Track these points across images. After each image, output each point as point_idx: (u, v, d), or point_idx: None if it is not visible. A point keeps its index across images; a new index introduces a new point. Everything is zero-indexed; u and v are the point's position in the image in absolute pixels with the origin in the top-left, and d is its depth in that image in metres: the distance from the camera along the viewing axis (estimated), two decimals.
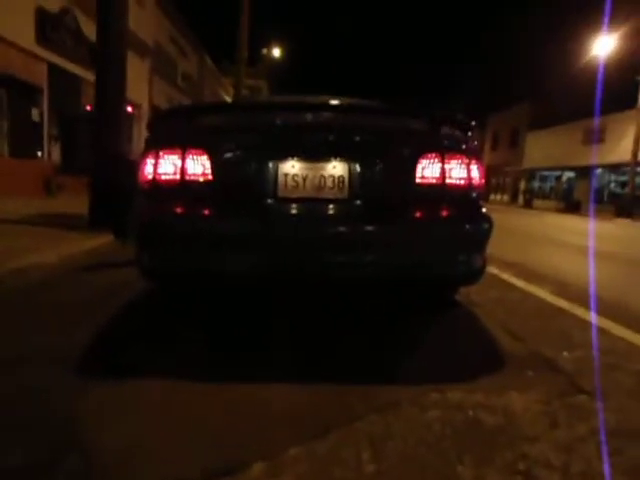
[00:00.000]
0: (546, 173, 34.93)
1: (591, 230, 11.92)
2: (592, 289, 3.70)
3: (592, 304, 3.15)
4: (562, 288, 3.66)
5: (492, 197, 40.71)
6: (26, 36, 8.79)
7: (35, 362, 1.85)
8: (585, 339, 2.39)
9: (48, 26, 9.34)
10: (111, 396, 1.62)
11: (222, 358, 2.01)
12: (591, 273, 4.61)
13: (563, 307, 3.05)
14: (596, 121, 26.38)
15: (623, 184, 25.65)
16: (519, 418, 1.55)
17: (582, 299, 3.27)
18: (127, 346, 2.11)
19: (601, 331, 2.55)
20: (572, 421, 1.54)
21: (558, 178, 33.60)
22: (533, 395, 1.71)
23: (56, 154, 10.67)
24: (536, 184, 36.30)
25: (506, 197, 40.10)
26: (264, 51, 30.12)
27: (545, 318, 2.76)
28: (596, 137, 27.15)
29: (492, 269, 4.06)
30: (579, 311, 2.95)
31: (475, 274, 2.32)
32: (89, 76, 10.02)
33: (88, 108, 11.24)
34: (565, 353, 2.16)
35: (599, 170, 27.95)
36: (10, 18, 8.20)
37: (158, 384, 1.73)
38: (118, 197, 4.91)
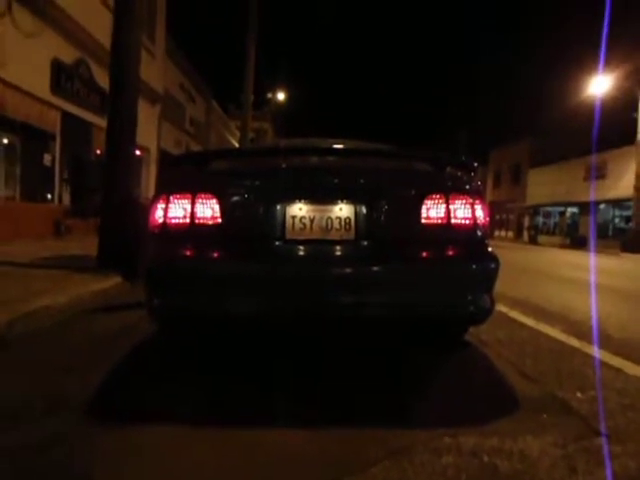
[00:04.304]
0: (550, 209, 35.10)
1: (598, 266, 11.85)
2: (601, 326, 3.66)
3: (600, 342, 3.10)
4: (572, 326, 3.62)
5: (496, 233, 40.76)
6: (42, 86, 9.14)
7: (44, 408, 1.83)
8: (599, 379, 2.35)
9: (63, 76, 9.73)
10: (120, 442, 1.60)
11: (231, 402, 1.99)
12: (600, 310, 4.56)
13: (574, 346, 3.01)
14: (594, 157, 26.73)
15: (627, 219, 25.68)
16: (536, 463, 1.51)
17: (593, 337, 3.23)
18: (136, 390, 2.09)
19: (614, 370, 2.51)
20: (590, 466, 1.50)
21: (562, 214, 33.72)
22: (549, 438, 1.67)
23: (66, 197, 10.88)
24: (540, 220, 36.40)
25: (510, 233, 40.13)
26: (269, 95, 31.12)
27: (556, 357, 2.72)
28: (594, 173, 27.42)
29: (500, 307, 4.03)
30: (591, 350, 2.91)
31: (483, 314, 2.31)
32: (100, 122, 10.35)
33: (98, 152, 11.54)
34: (579, 394, 2.12)
35: (603, 205, 28.07)
36: (28, 70, 8.56)
37: (167, 429, 1.71)
38: (127, 239, 4.98)
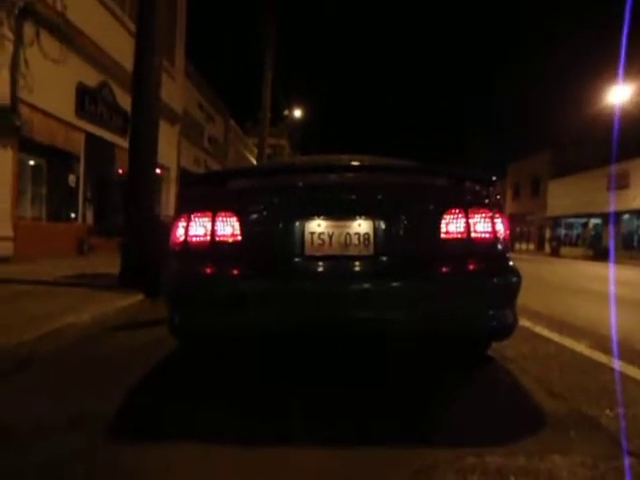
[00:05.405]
0: (572, 220, 34.46)
1: (623, 278, 11.54)
2: (628, 341, 3.55)
3: (628, 357, 3.01)
4: (599, 341, 3.52)
5: (517, 246, 40.13)
6: (67, 109, 9.45)
7: (67, 424, 1.86)
8: (627, 396, 2.28)
9: (87, 99, 10.05)
10: (141, 460, 1.61)
11: (251, 419, 1.99)
12: (627, 324, 4.43)
13: (601, 361, 2.93)
14: (613, 168, 26.26)
15: None
16: None
17: (621, 353, 3.14)
18: (158, 408, 2.11)
19: None
20: None
21: (585, 225, 33.06)
22: (577, 458, 1.63)
23: (90, 216, 11.14)
24: (562, 231, 35.74)
25: (532, 246, 39.46)
26: (286, 112, 31.52)
27: (583, 373, 2.65)
28: (613, 183, 26.88)
29: (524, 321, 3.95)
30: (619, 365, 2.82)
31: (506, 329, 2.27)
32: (122, 142, 10.63)
33: (120, 172, 11.82)
34: (608, 411, 2.06)
35: (626, 216, 27.44)
36: (54, 94, 8.88)
37: (188, 447, 1.71)
38: (148, 257, 5.07)
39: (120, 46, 10.45)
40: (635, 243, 26.88)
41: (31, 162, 9.34)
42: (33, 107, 8.35)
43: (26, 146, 8.43)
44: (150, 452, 1.66)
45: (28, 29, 7.99)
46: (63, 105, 9.30)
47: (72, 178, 10.29)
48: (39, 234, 8.89)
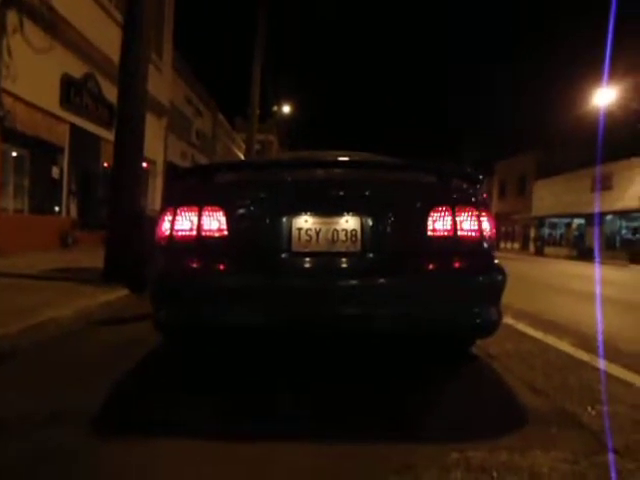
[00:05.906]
0: (556, 220, 34.95)
1: (607, 278, 11.75)
2: (611, 340, 3.61)
3: (610, 355, 3.06)
4: (581, 339, 3.57)
5: (502, 245, 40.58)
6: (51, 100, 9.27)
7: (49, 419, 1.83)
8: (609, 393, 2.32)
9: (72, 91, 9.86)
10: (123, 456, 1.59)
11: (235, 417, 1.98)
12: (610, 323, 4.51)
13: (584, 359, 2.97)
14: (598, 169, 26.68)
15: (635, 230, 25.54)
16: (546, 479, 1.48)
17: (604, 351, 3.19)
18: (140, 404, 2.08)
19: (625, 385, 2.47)
20: None
21: (568, 225, 33.55)
22: (559, 454, 1.65)
23: (74, 210, 10.96)
24: (546, 231, 36.23)
25: (517, 245, 39.94)
26: (274, 108, 31.37)
27: (566, 371, 2.68)
28: (599, 184, 27.31)
29: (508, 319, 3.99)
30: (601, 364, 2.87)
31: (490, 326, 2.29)
32: (108, 135, 10.48)
33: (105, 165, 11.66)
34: (589, 408, 2.09)
35: (609, 217, 27.91)
36: (38, 84, 8.69)
37: (171, 444, 1.70)
38: (133, 251, 5.01)
39: (107, 37, 10.27)
40: (617, 244, 27.37)
41: (14, 153, 9.13)
42: (16, 97, 8.16)
43: (9, 136, 8.24)
44: (132, 448, 1.64)
45: (11, 17, 7.80)
46: (47, 96, 9.11)
47: (56, 170, 10.10)
48: (22, 227, 8.71)
